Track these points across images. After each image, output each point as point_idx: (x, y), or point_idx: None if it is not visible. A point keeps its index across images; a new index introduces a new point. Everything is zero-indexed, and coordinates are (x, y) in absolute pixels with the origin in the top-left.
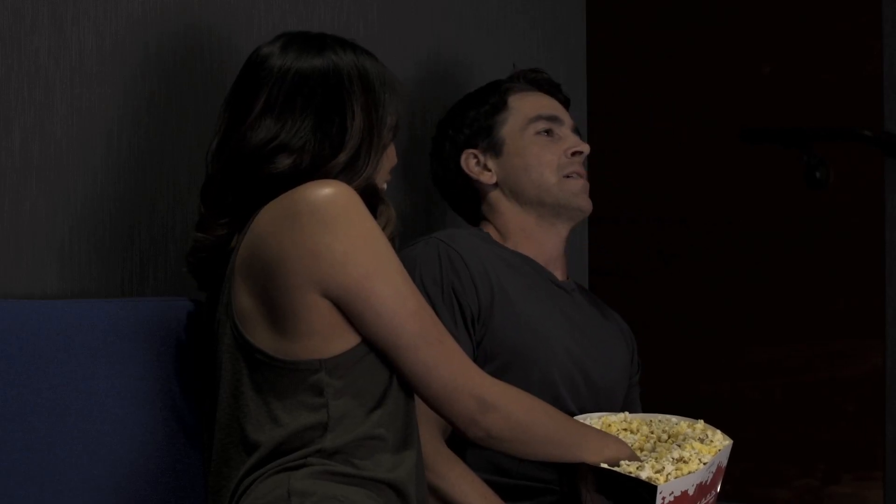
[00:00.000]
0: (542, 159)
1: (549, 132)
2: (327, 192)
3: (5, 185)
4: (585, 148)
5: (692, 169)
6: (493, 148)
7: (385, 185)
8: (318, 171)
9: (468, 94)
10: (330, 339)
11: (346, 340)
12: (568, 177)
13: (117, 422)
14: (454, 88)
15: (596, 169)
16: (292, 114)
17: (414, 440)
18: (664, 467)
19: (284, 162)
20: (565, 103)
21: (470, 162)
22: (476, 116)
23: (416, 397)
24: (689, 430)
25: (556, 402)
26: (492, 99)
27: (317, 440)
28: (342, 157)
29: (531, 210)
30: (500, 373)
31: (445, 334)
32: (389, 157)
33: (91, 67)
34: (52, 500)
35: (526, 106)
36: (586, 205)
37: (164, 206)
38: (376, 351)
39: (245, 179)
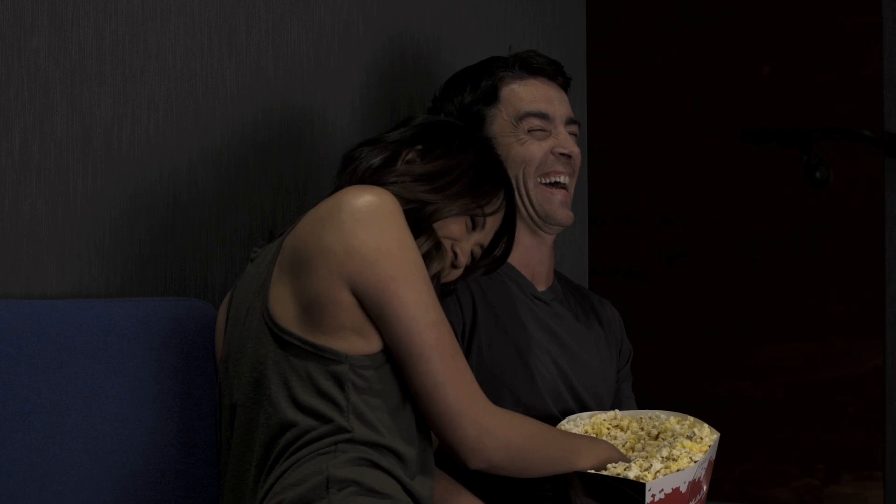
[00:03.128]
0: (524, 155)
1: (539, 129)
2: (368, 196)
3: (5, 185)
4: (573, 151)
5: (692, 169)
6: None
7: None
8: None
9: (466, 69)
10: (354, 338)
11: (369, 343)
12: (548, 185)
13: (117, 422)
14: None
15: (596, 169)
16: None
17: (432, 468)
18: (652, 465)
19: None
20: (565, 85)
21: None
22: (469, 104)
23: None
24: (677, 427)
25: (543, 412)
26: (484, 83)
27: (342, 431)
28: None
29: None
30: (484, 387)
31: (459, 353)
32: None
33: (91, 67)
34: (52, 500)
35: (516, 100)
36: (564, 218)
37: (165, 206)
38: (393, 362)
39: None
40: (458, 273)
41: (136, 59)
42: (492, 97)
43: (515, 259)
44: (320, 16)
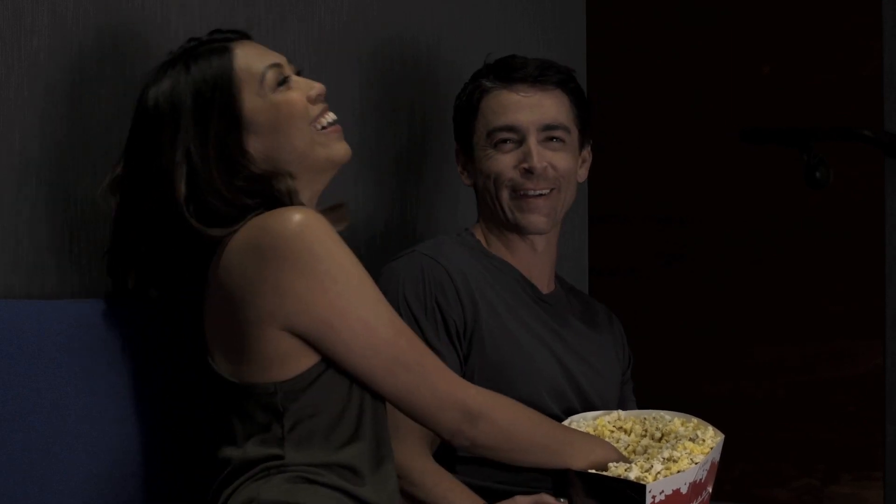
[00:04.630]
0: (488, 170)
1: (507, 141)
2: (293, 224)
3: (5, 185)
4: (536, 167)
5: (692, 169)
6: (467, 152)
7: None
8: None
9: (475, 72)
10: (286, 363)
11: (303, 362)
12: (521, 195)
13: (117, 422)
14: (454, 89)
15: (595, 168)
16: None
17: (388, 450)
18: (652, 466)
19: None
20: (562, 84)
21: (458, 157)
22: (462, 111)
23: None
24: (681, 429)
25: (543, 411)
26: (468, 88)
27: (276, 458)
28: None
29: (499, 221)
30: (485, 384)
31: (425, 355)
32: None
33: (91, 67)
34: (52, 500)
35: (487, 113)
36: (535, 226)
37: None
38: (334, 367)
39: None
40: (320, 107)
41: (136, 58)
42: (473, 110)
43: (513, 260)
44: (320, 16)
